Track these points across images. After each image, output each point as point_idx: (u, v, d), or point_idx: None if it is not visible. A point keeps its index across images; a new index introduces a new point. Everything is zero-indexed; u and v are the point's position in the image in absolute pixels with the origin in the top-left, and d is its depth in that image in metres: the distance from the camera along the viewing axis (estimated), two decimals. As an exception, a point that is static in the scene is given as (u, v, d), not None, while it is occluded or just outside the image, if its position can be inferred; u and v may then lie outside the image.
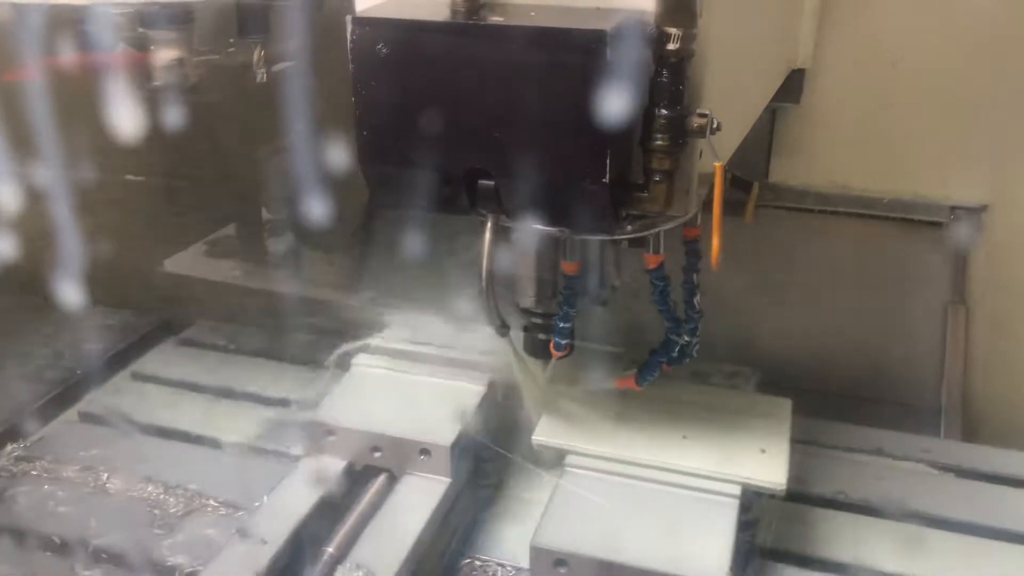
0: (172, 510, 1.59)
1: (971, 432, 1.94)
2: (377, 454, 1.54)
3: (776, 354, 2.03)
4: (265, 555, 1.34)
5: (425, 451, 1.51)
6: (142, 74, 1.52)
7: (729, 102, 1.23)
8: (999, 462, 1.72)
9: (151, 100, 1.48)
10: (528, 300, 1.44)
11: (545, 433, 1.52)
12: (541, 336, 1.45)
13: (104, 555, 1.48)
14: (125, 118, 1.30)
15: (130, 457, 1.72)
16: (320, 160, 1.28)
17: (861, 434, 1.79)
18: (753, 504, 1.46)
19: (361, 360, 1.74)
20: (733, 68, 1.29)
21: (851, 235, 1.99)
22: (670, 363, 1.51)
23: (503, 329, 1.47)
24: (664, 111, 1.07)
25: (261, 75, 1.65)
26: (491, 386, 1.66)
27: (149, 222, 2.18)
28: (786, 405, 1.59)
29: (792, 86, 1.87)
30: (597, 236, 1.31)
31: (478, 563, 1.50)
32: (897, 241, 1.97)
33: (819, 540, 1.52)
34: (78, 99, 1.41)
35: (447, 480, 1.51)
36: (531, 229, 1.26)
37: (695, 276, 1.44)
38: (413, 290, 1.83)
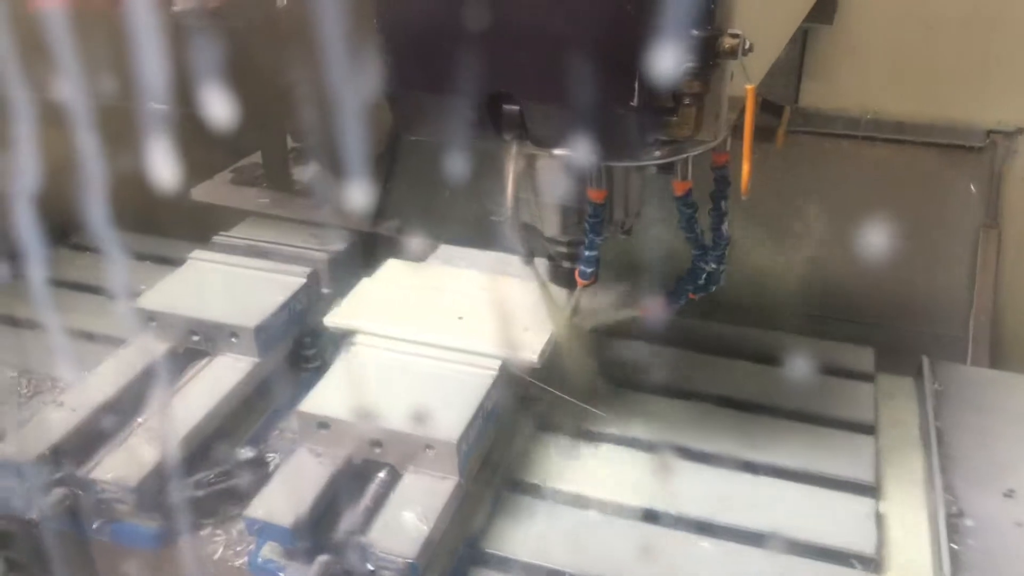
0: (23, 391, 1.77)
1: (999, 359, 1.93)
2: (195, 337, 1.65)
3: (806, 281, 2.01)
4: (71, 421, 1.48)
5: (234, 333, 1.61)
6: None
7: (761, 22, 1.19)
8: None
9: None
10: (553, 228, 1.43)
11: (337, 316, 1.61)
12: (566, 264, 1.45)
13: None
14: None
15: (-1, 347, 1.85)
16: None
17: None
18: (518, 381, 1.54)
19: (196, 255, 1.84)
20: (766, -14, 1.25)
21: (883, 161, 1.94)
22: (696, 291, 1.50)
23: (528, 257, 1.47)
24: (695, 31, 1.04)
25: (282, -1, 1.62)
26: (311, 276, 1.76)
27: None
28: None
29: (825, 6, 1.81)
30: (625, 162, 1.29)
31: (288, 435, 1.61)
32: (931, 166, 1.93)
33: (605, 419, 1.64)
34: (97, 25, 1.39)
35: (254, 360, 1.62)
36: (557, 155, 1.25)
37: (723, 203, 1.42)
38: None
